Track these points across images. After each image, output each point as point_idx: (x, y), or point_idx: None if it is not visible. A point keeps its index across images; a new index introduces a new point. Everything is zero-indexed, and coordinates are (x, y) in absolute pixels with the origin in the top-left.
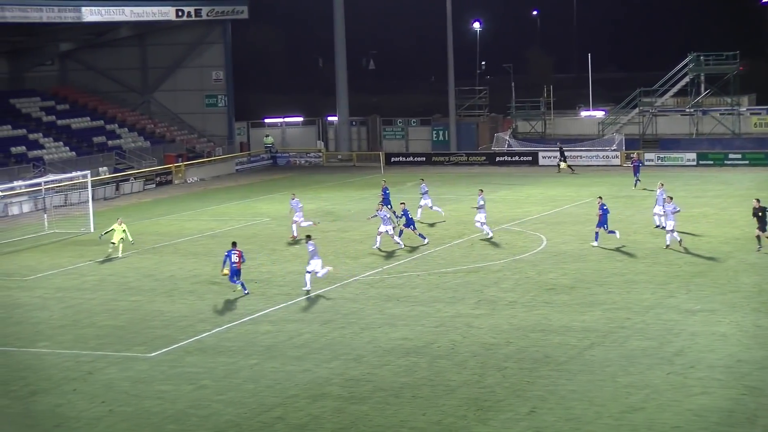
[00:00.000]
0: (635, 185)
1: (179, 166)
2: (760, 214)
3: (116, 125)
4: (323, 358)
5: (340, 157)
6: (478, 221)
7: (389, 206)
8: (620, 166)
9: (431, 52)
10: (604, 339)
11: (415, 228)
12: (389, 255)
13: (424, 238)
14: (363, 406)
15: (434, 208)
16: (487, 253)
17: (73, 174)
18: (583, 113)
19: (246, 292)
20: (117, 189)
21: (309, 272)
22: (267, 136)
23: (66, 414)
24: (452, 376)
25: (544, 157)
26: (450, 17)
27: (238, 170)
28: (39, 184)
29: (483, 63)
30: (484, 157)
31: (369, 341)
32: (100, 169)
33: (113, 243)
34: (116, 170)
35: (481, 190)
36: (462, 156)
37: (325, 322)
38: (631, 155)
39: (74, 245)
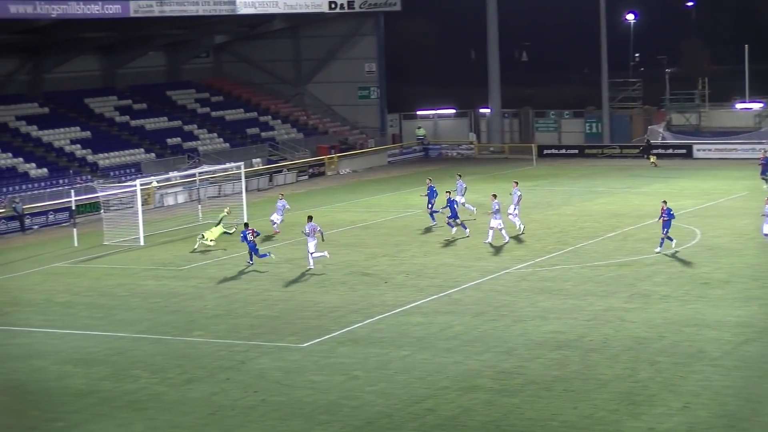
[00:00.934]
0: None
1: (332, 157)
2: None
3: (269, 117)
4: (474, 350)
5: (492, 149)
6: (511, 213)
7: (432, 205)
8: None
9: (585, 43)
10: (760, 335)
11: (456, 218)
12: (499, 249)
13: (465, 228)
14: (514, 399)
15: (467, 204)
16: (640, 247)
17: (227, 165)
18: (739, 105)
19: (251, 262)
20: (270, 180)
21: (311, 253)
22: (419, 128)
23: (220, 402)
24: (604, 370)
25: (699, 150)
26: (603, 8)
27: (390, 162)
28: (193, 175)
29: (637, 55)
30: (637, 150)
31: (520, 334)
32: (254, 160)
33: (228, 233)
34: (269, 161)
35: (516, 183)
36: (615, 148)
37: (476, 314)
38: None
39: (228, 236)
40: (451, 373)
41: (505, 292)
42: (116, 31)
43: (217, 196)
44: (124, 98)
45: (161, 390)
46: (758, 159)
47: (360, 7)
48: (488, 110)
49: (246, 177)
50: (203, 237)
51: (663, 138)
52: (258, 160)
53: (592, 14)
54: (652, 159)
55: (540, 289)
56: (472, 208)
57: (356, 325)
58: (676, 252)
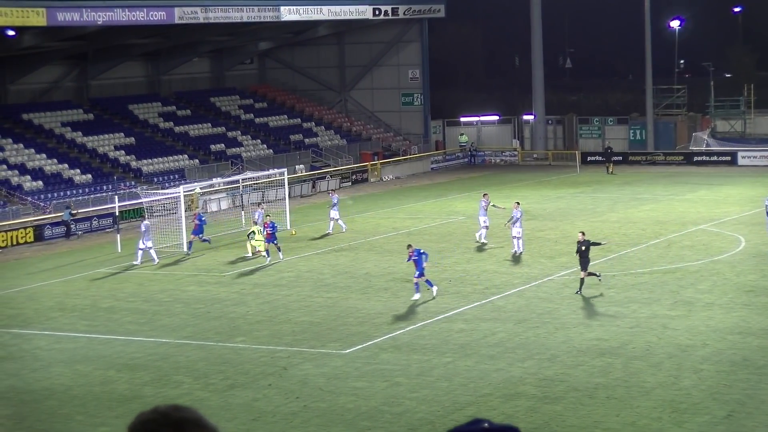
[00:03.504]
0: None
1: (375, 164)
2: (583, 248)
3: (313, 123)
4: (517, 357)
5: (535, 156)
6: (515, 236)
7: (201, 235)
8: None
9: (629, 50)
10: None
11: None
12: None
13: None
14: (556, 406)
15: (339, 222)
16: (684, 254)
17: (270, 171)
18: None
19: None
20: (313, 186)
21: (141, 249)
22: (462, 134)
23: (262, 408)
24: (647, 378)
25: (743, 157)
26: (648, 15)
27: (433, 169)
28: (237, 182)
29: (682, 61)
30: (681, 157)
31: (563, 341)
32: (297, 166)
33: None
34: (313, 168)
35: (518, 203)
36: (659, 155)
37: (519, 321)
38: None
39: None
40: (494, 380)
41: (548, 299)
42: (161, 37)
43: (260, 202)
44: (168, 104)
45: (204, 395)
46: None
47: (404, 14)
48: (532, 117)
49: (289, 183)
50: (258, 253)
51: (707, 145)
52: (301, 166)
53: (636, 21)
54: (611, 168)
55: (583, 296)
56: (333, 228)
57: (399, 332)
58: (420, 300)
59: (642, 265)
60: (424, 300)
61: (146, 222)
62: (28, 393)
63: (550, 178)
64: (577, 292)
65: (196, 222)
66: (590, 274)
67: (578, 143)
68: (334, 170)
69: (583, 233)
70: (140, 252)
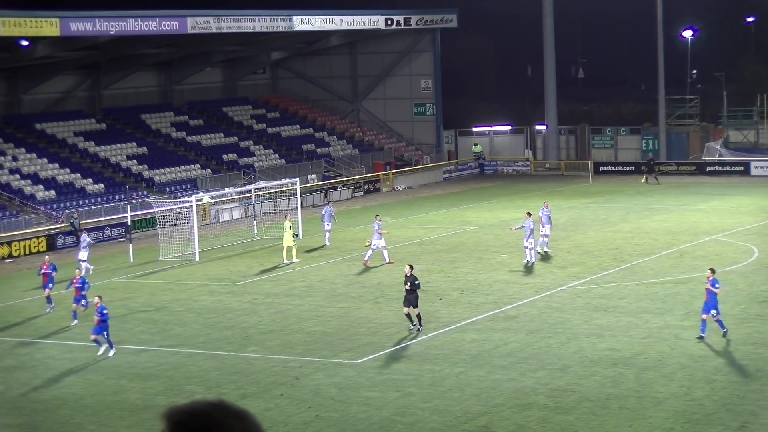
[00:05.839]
0: None
1: (387, 174)
2: (408, 284)
3: (325, 133)
4: (529, 367)
5: (548, 165)
6: (527, 247)
7: (50, 287)
8: None
9: (642, 60)
10: None
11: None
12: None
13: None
14: (569, 417)
15: (328, 234)
16: (696, 264)
17: (283, 181)
18: None
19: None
20: (325, 196)
21: (83, 261)
22: (476, 144)
23: (274, 418)
24: (660, 388)
25: (756, 167)
26: (661, 25)
27: (445, 178)
28: (249, 191)
29: (694, 71)
30: (694, 167)
31: (575, 351)
32: (309, 176)
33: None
34: (325, 178)
35: (529, 214)
36: (672, 165)
37: (531, 331)
38: None
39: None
40: (506, 390)
41: (560, 309)
42: (174, 47)
43: (273, 212)
44: (180, 114)
45: None
46: None
47: (416, 24)
48: (544, 127)
49: (301, 193)
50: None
51: (720, 155)
52: (313, 176)
53: (649, 31)
54: (644, 179)
55: (595, 307)
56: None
57: (411, 342)
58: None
59: (654, 276)
60: (435, 310)
61: (85, 236)
62: (40, 402)
63: (563, 188)
64: (418, 329)
65: (77, 287)
66: (407, 315)
67: (590, 153)
68: (346, 180)
69: (411, 267)
70: (83, 263)
